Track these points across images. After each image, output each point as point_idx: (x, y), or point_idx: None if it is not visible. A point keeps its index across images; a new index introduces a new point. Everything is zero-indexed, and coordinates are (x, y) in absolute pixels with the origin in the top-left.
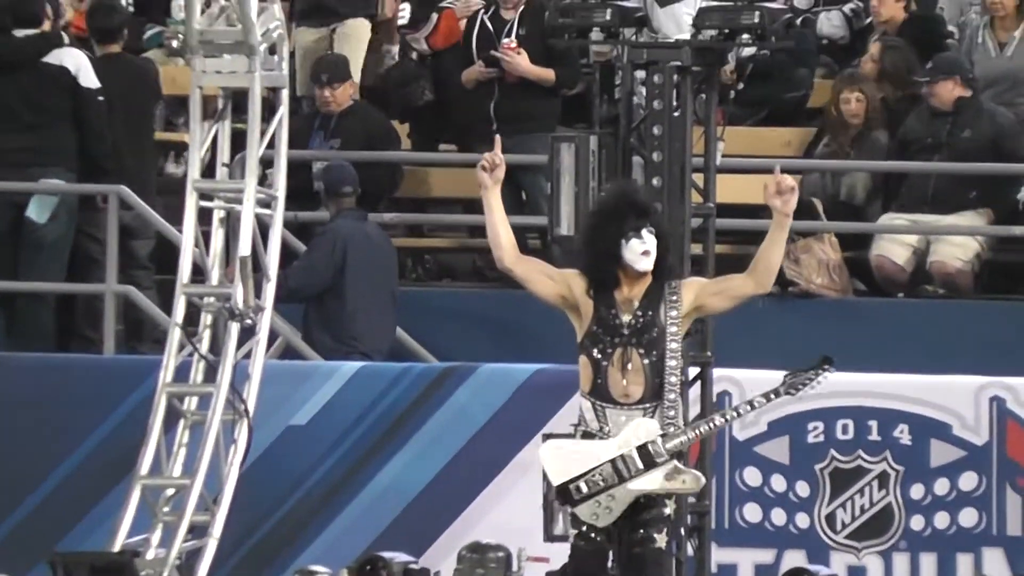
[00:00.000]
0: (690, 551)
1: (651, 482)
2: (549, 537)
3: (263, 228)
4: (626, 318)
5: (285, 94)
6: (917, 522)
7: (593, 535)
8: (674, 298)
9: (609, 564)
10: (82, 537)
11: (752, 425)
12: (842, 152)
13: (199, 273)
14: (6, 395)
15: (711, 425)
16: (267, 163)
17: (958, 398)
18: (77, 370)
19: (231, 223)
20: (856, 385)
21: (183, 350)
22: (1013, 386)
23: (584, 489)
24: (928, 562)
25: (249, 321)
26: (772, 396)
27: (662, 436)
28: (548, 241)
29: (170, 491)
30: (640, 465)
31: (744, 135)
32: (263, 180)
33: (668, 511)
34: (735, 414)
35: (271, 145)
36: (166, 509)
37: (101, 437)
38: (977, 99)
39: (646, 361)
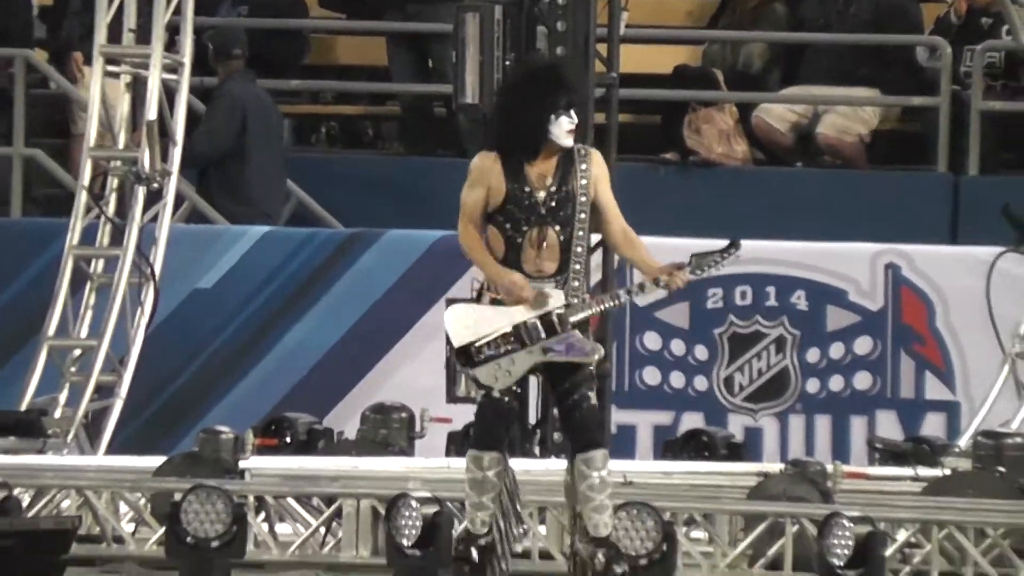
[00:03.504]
0: None
1: (551, 352)
2: (452, 398)
3: (169, 94)
4: (541, 195)
5: None
6: (813, 385)
7: (499, 395)
8: (584, 167)
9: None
10: None
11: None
12: (742, 23)
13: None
14: None
15: (616, 301)
16: (174, 29)
17: (854, 265)
18: None
19: (137, 88)
20: (755, 252)
21: (89, 213)
22: (908, 253)
23: (485, 352)
24: (823, 424)
25: (156, 185)
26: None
27: (565, 306)
28: (453, 109)
29: (77, 352)
30: (542, 334)
31: (648, 5)
32: (170, 46)
33: (592, 369)
34: (639, 290)
35: (178, 11)
36: (73, 369)
37: (8, 299)
38: None
39: (562, 237)
